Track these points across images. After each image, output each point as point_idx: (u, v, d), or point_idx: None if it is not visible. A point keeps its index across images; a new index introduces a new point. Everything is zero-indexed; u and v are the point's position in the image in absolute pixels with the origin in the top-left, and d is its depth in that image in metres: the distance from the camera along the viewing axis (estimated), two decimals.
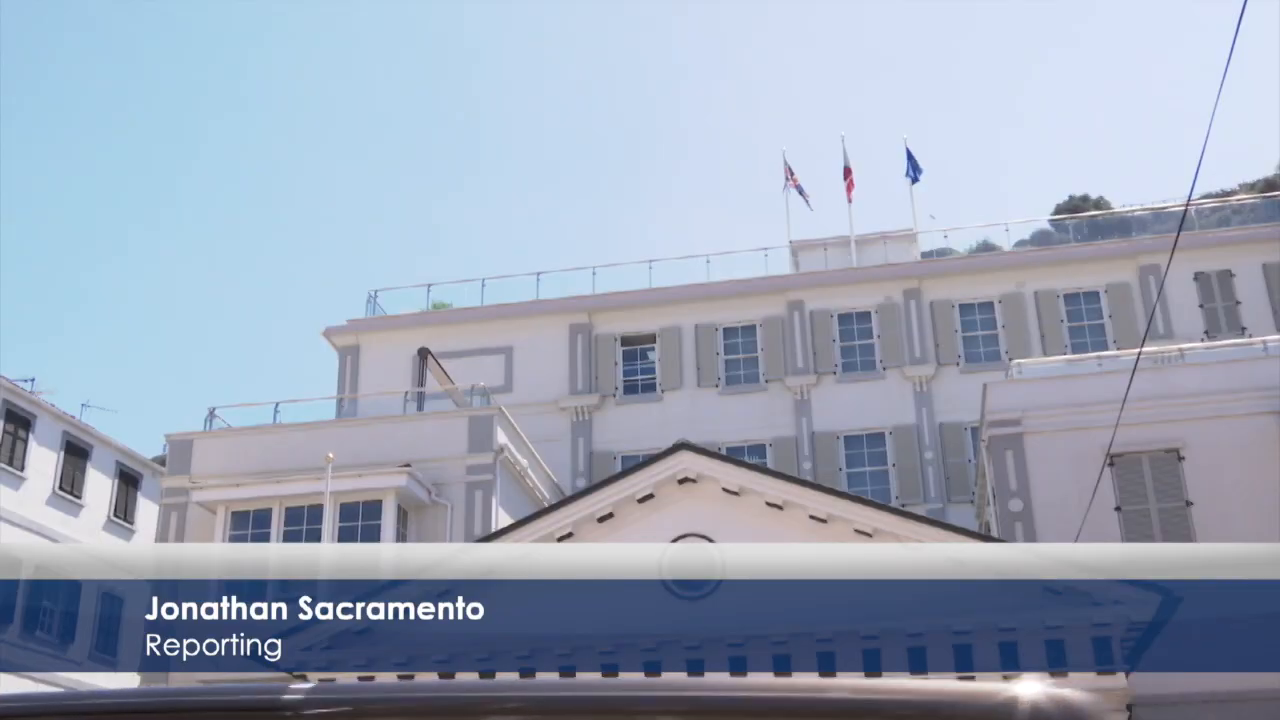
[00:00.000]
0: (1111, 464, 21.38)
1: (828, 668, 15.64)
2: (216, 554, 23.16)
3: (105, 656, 35.81)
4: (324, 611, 17.63)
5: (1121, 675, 15.30)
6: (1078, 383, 23.04)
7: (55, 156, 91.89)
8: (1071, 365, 25.18)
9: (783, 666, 15.75)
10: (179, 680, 23.24)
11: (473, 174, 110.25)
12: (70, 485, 35.13)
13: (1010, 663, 15.35)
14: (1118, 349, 28.19)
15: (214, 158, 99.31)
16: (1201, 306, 30.74)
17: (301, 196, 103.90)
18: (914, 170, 36.14)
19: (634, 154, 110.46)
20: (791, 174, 36.62)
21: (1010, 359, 28.13)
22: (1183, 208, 30.04)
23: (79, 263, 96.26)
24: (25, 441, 33.50)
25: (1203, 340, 28.37)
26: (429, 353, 30.42)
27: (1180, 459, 21.93)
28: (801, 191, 36.24)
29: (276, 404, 26.28)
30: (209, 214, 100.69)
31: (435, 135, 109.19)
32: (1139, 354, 16.40)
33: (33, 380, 35.01)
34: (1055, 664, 15.32)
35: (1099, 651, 15.36)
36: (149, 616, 24.58)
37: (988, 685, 3.42)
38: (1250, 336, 26.85)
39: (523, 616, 16.57)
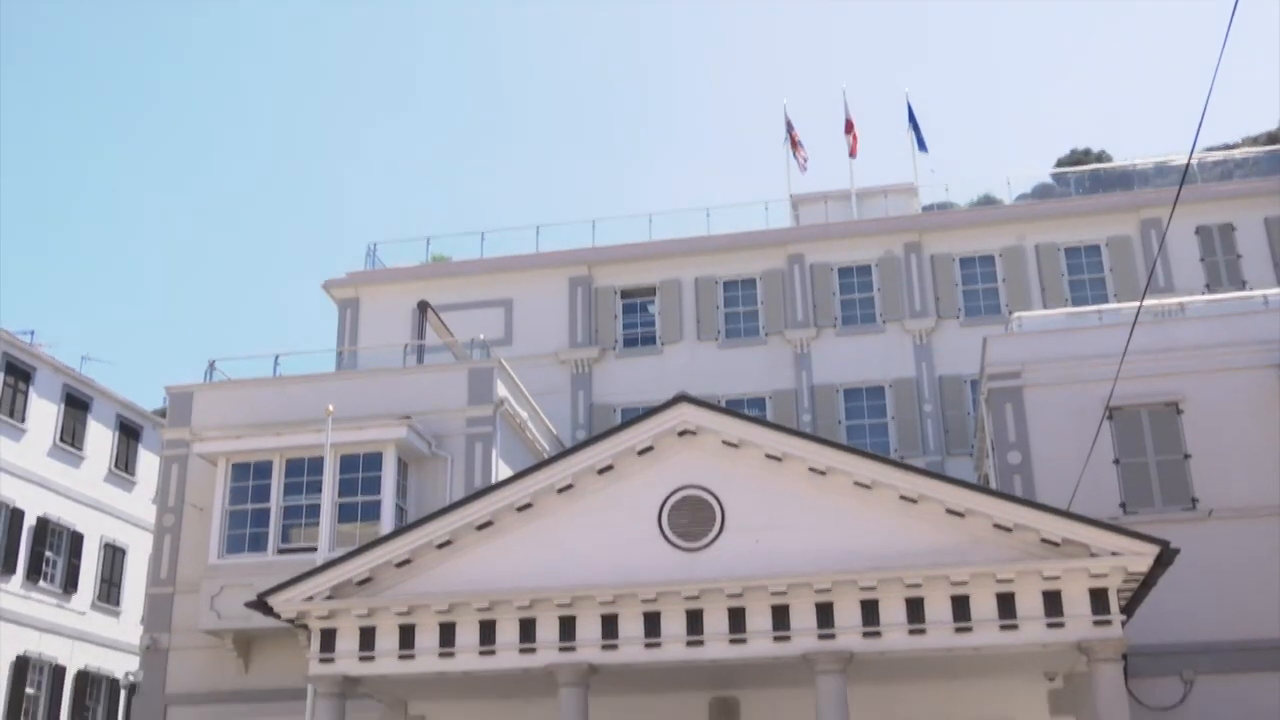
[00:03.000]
0: (1110, 417, 21.42)
1: (826, 618, 15.74)
2: (219, 505, 23.26)
3: (109, 606, 36.05)
4: (325, 562, 17.74)
5: (1118, 625, 15.39)
6: (1078, 336, 23.04)
7: (54, 109, 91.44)
8: (1072, 318, 25.16)
9: (782, 617, 15.85)
10: (178, 635, 23.44)
11: (473, 127, 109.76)
12: (71, 437, 35.22)
13: (1008, 613, 15.45)
14: (1118, 302, 28.19)
15: (214, 111, 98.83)
16: (1202, 260, 30.70)
17: (301, 149, 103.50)
18: (918, 135, 36.00)
19: (634, 107, 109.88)
20: (791, 129, 36.46)
21: (1010, 312, 28.13)
22: (1185, 161, 29.94)
23: (78, 217, 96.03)
24: (25, 394, 33.55)
25: (1203, 294, 28.35)
26: (428, 305, 30.40)
27: (1179, 412, 21.96)
28: (800, 149, 36.08)
29: (276, 356, 26.28)
30: (209, 167, 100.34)
31: (435, 89, 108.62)
32: (1139, 307, 16.39)
33: (32, 333, 35.06)
34: (1052, 614, 15.40)
35: (1095, 602, 15.43)
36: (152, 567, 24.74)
37: None
38: (1251, 290, 26.81)
39: (523, 568, 16.67)
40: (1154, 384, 21.79)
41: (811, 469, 16.44)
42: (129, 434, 37.85)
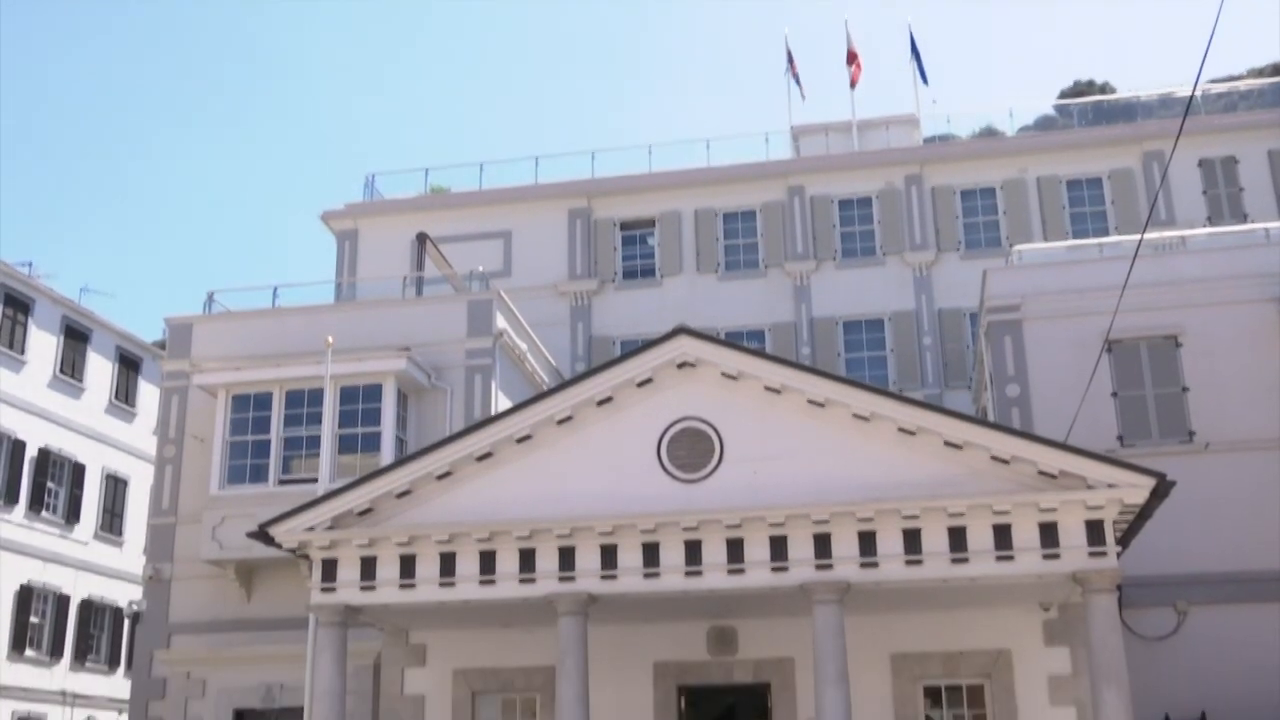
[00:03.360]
0: (1109, 350, 21.44)
1: (824, 549, 15.83)
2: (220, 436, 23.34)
3: (111, 537, 36.32)
4: (326, 493, 17.83)
5: (1113, 557, 15.49)
6: (1078, 269, 23.00)
7: (52, 42, 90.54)
8: (1072, 251, 25.12)
9: (780, 548, 15.95)
10: (180, 565, 23.63)
11: (471, 57, 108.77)
12: (71, 369, 35.29)
13: (1004, 544, 15.54)
14: (1119, 235, 28.10)
15: (211, 41, 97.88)
16: (1205, 193, 30.57)
17: (299, 79, 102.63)
18: (920, 67, 35.69)
19: (634, 37, 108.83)
20: (792, 60, 36.15)
21: (1011, 245, 28.06)
22: (1189, 94, 29.70)
23: (75, 147, 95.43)
24: (25, 325, 33.56)
25: (1205, 227, 28.26)
26: (427, 237, 30.30)
27: (1178, 345, 21.99)
28: (798, 80, 35.81)
29: (275, 288, 26.26)
30: (207, 97, 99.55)
31: (434, 17, 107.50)
32: (1140, 240, 16.32)
33: (30, 264, 35.02)
34: (1048, 546, 15.49)
35: (1091, 534, 15.52)
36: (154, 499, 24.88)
37: None
38: (1253, 223, 26.73)
39: (522, 498, 16.74)
40: (1153, 317, 21.80)
41: (810, 401, 16.46)
42: (129, 365, 37.91)
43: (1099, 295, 20.68)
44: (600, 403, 16.98)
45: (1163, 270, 22.25)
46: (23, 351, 33.30)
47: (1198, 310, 21.96)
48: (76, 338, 35.56)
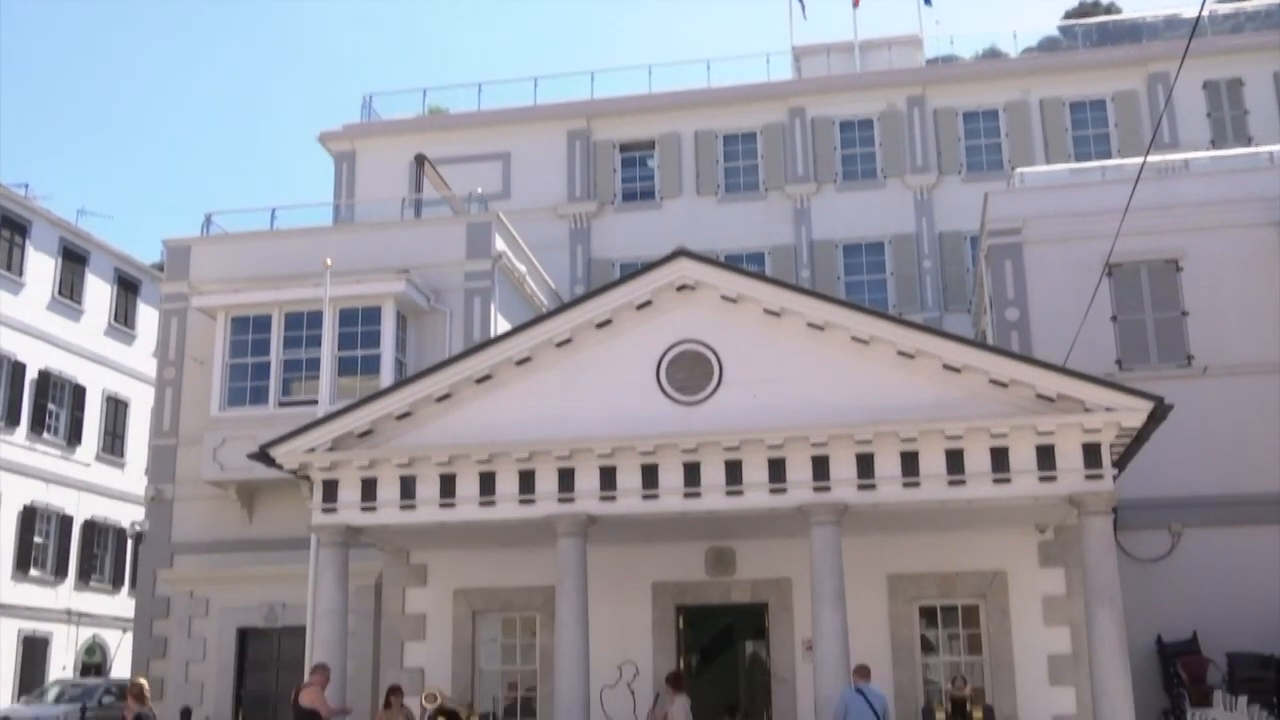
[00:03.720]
0: (1110, 274, 21.39)
1: (822, 471, 15.91)
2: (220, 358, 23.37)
3: (112, 458, 36.48)
4: (326, 414, 17.89)
5: (1109, 479, 15.57)
6: (1080, 192, 22.88)
7: None
8: (1075, 174, 24.96)
9: (778, 469, 16.03)
10: (182, 486, 23.77)
11: None
12: (69, 291, 35.22)
13: (1001, 466, 15.62)
14: (1122, 158, 27.91)
15: None
16: (1209, 115, 30.30)
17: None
18: None
19: None
20: None
21: (1013, 168, 27.87)
22: (1195, 15, 29.36)
23: (71, 68, 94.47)
24: (22, 248, 33.44)
25: (1209, 150, 28.06)
26: (425, 159, 30.11)
27: (1179, 269, 21.94)
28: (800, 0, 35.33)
29: (273, 209, 26.15)
30: (203, 16, 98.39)
31: None
32: (1143, 163, 16.18)
33: (26, 186, 34.80)
34: (1044, 468, 15.57)
35: (1088, 457, 15.59)
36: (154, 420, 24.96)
37: None
38: (1257, 146, 26.54)
39: (522, 421, 16.80)
40: (1155, 241, 21.73)
41: (810, 324, 16.45)
42: (127, 288, 37.83)
43: (1100, 218, 20.60)
44: (599, 325, 16.97)
45: (1165, 193, 22.13)
46: (21, 274, 33.22)
47: (1199, 234, 21.88)
48: (74, 260, 35.45)
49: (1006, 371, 15.87)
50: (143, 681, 13.87)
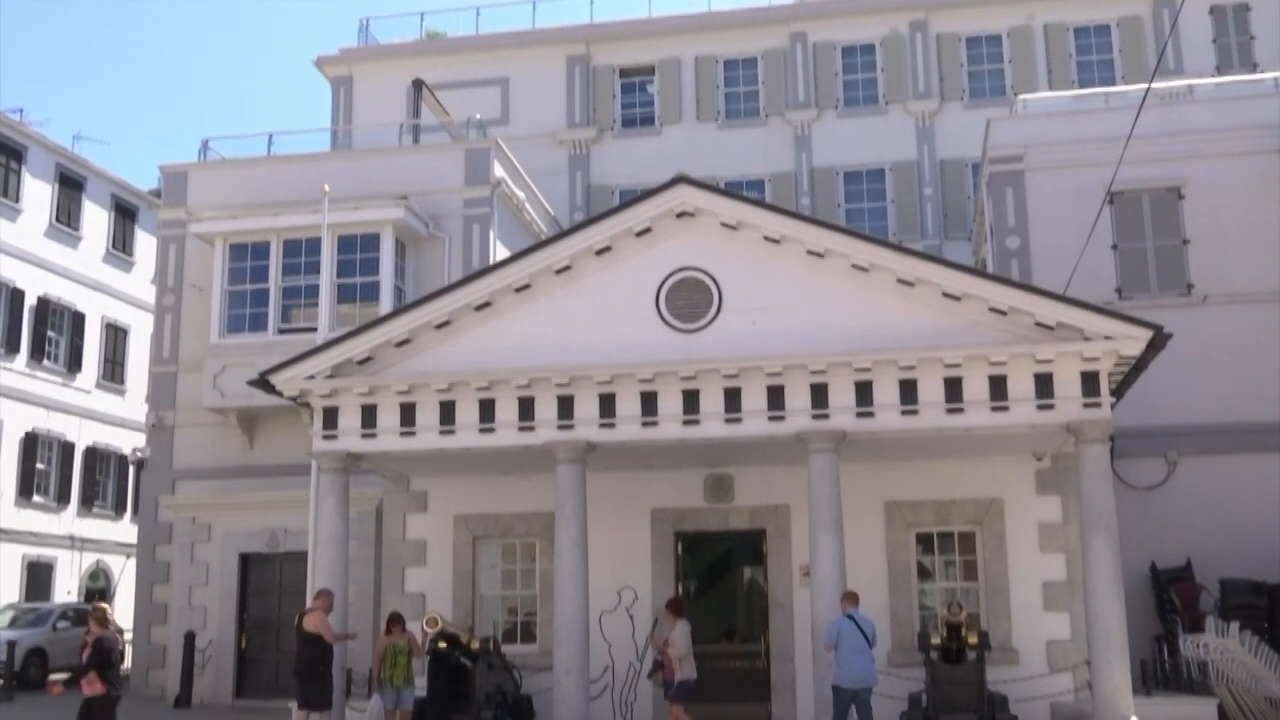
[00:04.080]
0: (1111, 202, 21.30)
1: (821, 399, 15.95)
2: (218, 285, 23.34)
3: (113, 385, 36.55)
4: (325, 341, 17.90)
5: (1107, 408, 15.61)
6: (1083, 119, 22.71)
7: None
8: (1078, 101, 24.78)
9: (777, 397, 16.07)
10: (183, 413, 23.84)
11: None
12: (67, 217, 35.07)
13: (999, 394, 15.65)
14: (1126, 85, 27.66)
15: None
16: (1215, 41, 29.97)
17: None
18: None
19: None
20: None
21: (1016, 94, 27.62)
22: None
23: None
24: (18, 174, 33.25)
25: (1214, 76, 27.79)
26: (423, 84, 29.85)
27: (1180, 197, 21.85)
28: None
29: (270, 135, 25.99)
30: None
31: None
32: (1147, 89, 16.02)
33: (21, 111, 34.50)
34: (1043, 396, 15.60)
35: (1086, 385, 15.62)
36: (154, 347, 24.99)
37: None
38: (1262, 73, 26.29)
39: (521, 348, 16.80)
40: (1157, 168, 21.61)
41: (809, 251, 16.40)
42: (125, 214, 37.67)
43: (1103, 146, 20.45)
44: (599, 252, 16.92)
45: (1168, 121, 21.97)
46: (17, 200, 33.05)
47: (1202, 162, 21.76)
48: (71, 186, 35.25)
49: (1006, 299, 15.84)
50: (105, 605, 13.78)
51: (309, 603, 16.73)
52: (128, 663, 25.67)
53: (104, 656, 12.87)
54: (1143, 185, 21.63)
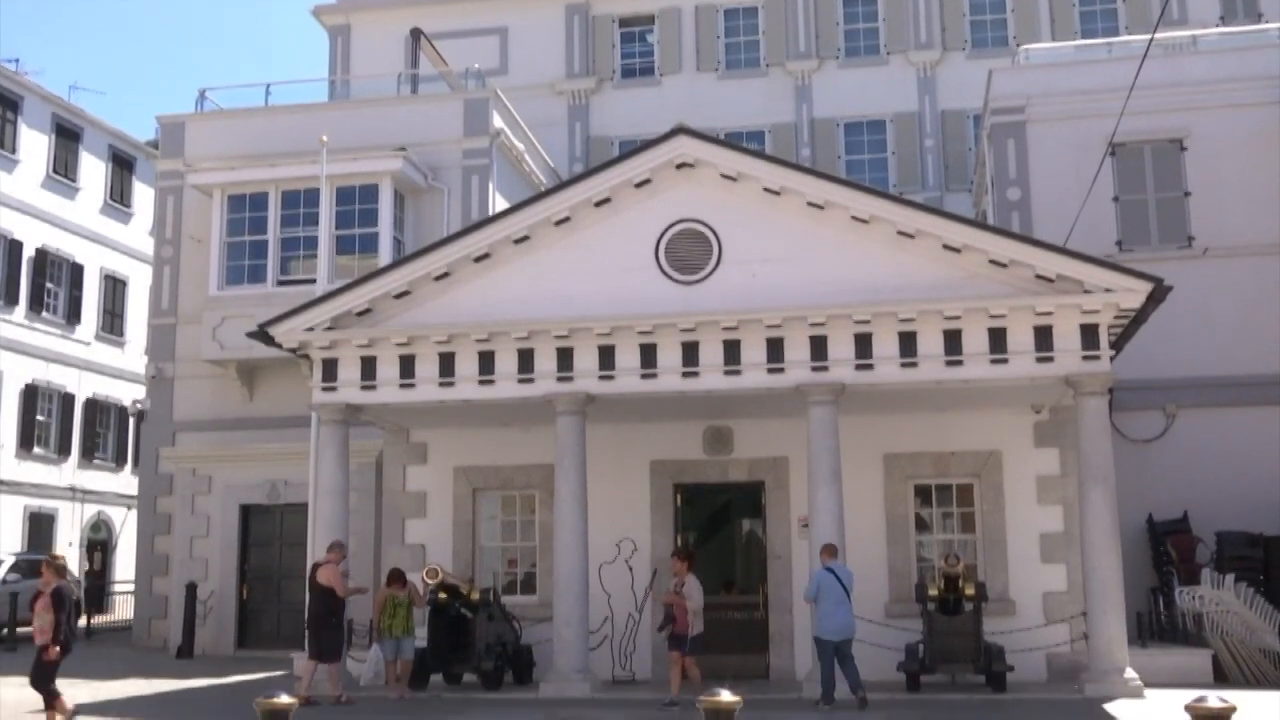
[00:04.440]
0: (1113, 153, 21.21)
1: (820, 351, 15.94)
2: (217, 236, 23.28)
3: (112, 337, 36.55)
4: (324, 293, 17.87)
5: (1106, 360, 15.61)
6: (1085, 69, 22.57)
7: None
8: (1080, 51, 24.59)
9: (776, 349, 16.07)
10: (182, 365, 23.85)
11: None
12: (64, 169, 34.92)
13: (999, 347, 15.64)
14: (1129, 35, 27.44)
15: None
16: None
17: None
18: None
19: None
20: None
21: (1018, 44, 27.42)
22: None
23: None
24: (14, 124, 33.07)
25: (1218, 26, 27.56)
26: (422, 33, 29.60)
27: (1183, 149, 21.76)
28: None
29: (268, 85, 25.80)
30: None
31: None
32: (1150, 40, 15.89)
33: (17, 61, 34.29)
34: (1042, 349, 15.59)
35: (1086, 338, 15.61)
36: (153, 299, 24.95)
37: None
38: (1267, 23, 26.08)
39: (521, 300, 16.78)
40: (1159, 120, 21.50)
41: (809, 203, 16.34)
42: (122, 165, 37.50)
43: (1105, 97, 20.33)
44: (598, 204, 16.86)
45: (1171, 71, 21.84)
46: (14, 150, 32.89)
47: (1204, 113, 21.65)
48: (68, 136, 35.07)
49: (1006, 252, 15.80)
50: (61, 555, 13.53)
51: (313, 555, 16.83)
52: (129, 613, 25.91)
53: (62, 606, 12.33)
54: (1145, 137, 21.53)
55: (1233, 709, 7.25)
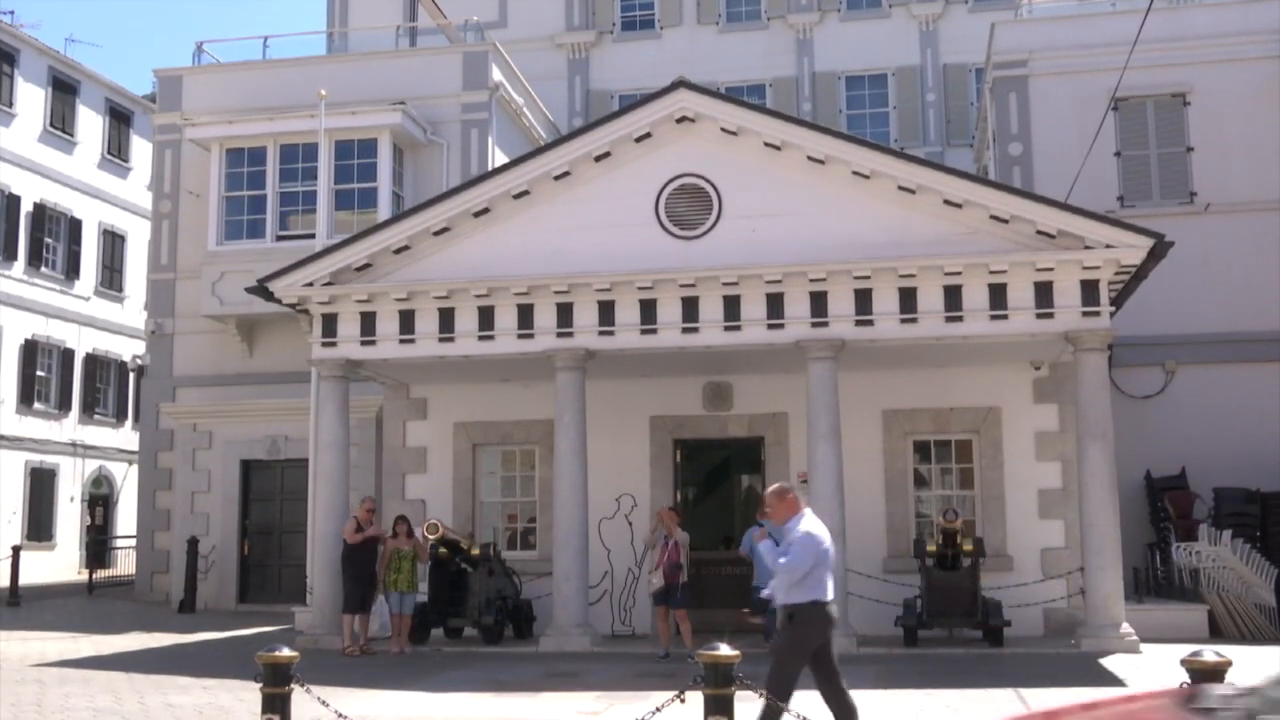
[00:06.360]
0: (1115, 108, 21.09)
1: (820, 307, 15.92)
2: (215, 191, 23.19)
3: (111, 292, 36.48)
4: (324, 248, 17.82)
5: (1106, 317, 15.59)
6: (1088, 23, 22.42)
7: None
8: (1083, 4, 24.41)
9: (776, 305, 16.05)
10: (182, 320, 23.82)
11: None
12: (61, 122, 34.70)
13: (999, 303, 15.62)
14: None
15: None
16: None
17: None
18: None
19: None
20: None
21: None
22: None
23: None
24: (11, 77, 32.83)
25: None
26: None
27: (1185, 104, 21.64)
28: None
29: (265, 39, 25.66)
30: None
31: None
32: None
33: (12, 13, 33.98)
34: (1042, 305, 15.58)
35: (1086, 294, 15.58)
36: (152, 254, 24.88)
37: None
38: None
39: (521, 255, 16.74)
40: (1162, 74, 21.38)
41: (810, 158, 16.26)
42: (120, 119, 37.27)
43: (1108, 51, 20.21)
44: (598, 158, 16.78)
45: (1176, 25, 21.69)
46: (11, 104, 32.68)
47: (1208, 68, 21.52)
48: (65, 90, 34.83)
49: (1007, 207, 15.74)
50: None
51: (313, 510, 16.95)
52: (131, 568, 26.01)
53: None
54: (1147, 91, 21.41)
55: (1228, 664, 7.28)
